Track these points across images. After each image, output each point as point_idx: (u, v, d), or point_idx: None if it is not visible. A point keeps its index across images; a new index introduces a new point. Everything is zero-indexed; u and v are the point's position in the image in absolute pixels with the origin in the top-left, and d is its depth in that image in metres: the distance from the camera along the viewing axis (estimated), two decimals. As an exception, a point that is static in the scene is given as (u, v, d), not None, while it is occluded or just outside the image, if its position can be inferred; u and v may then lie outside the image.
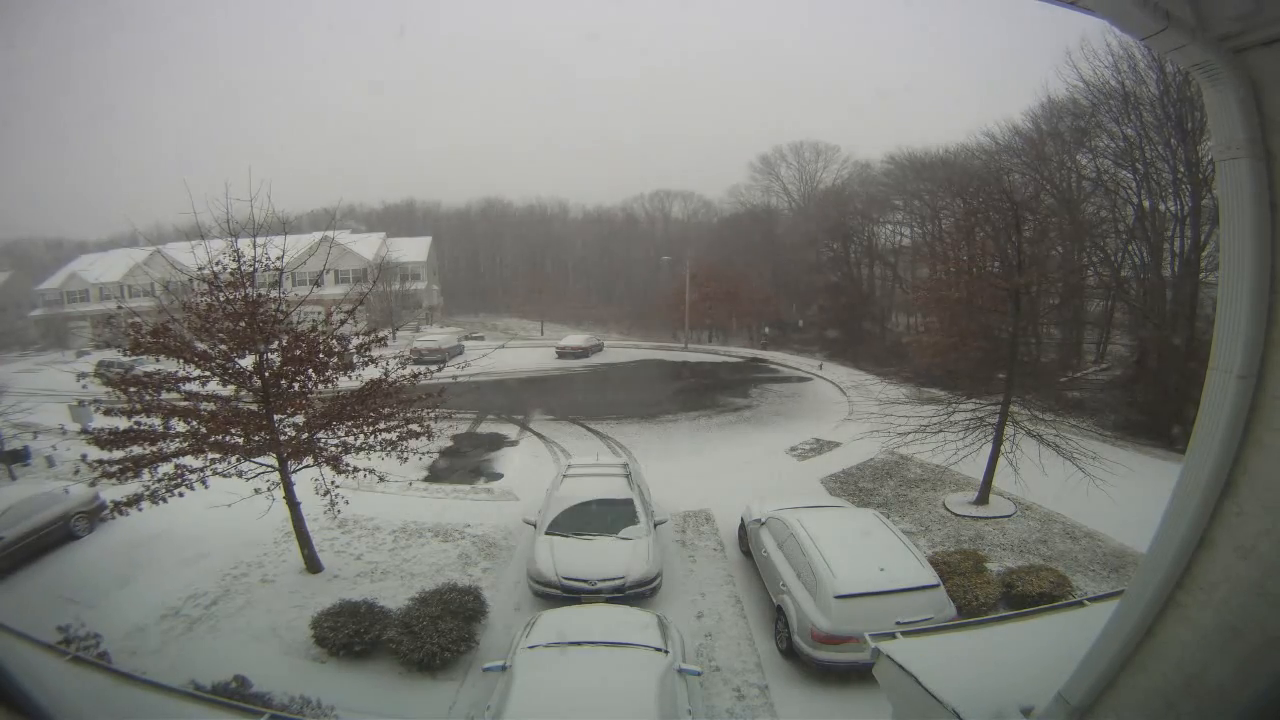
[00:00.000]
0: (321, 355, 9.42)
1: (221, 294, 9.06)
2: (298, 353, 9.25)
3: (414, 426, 10.02)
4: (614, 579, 8.76)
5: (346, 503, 9.64)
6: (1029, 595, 8.69)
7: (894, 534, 8.97)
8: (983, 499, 12.93)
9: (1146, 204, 22.55)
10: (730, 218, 56.63)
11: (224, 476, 9.18)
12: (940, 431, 13.08)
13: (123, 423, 8.67)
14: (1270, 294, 2.03)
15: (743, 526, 10.84)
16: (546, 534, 9.64)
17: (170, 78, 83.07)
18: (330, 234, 22.77)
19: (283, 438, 9.52)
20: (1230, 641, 2.08)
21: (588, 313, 52.23)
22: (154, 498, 8.60)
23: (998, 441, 12.53)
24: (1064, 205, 25.12)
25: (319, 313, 9.77)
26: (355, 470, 9.64)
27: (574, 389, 27.87)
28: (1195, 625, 2.19)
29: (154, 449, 8.76)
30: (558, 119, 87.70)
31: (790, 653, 7.84)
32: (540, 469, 15.35)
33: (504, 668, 6.24)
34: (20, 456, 15.59)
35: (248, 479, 9.41)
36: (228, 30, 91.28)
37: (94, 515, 11.46)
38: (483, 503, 13.44)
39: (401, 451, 9.89)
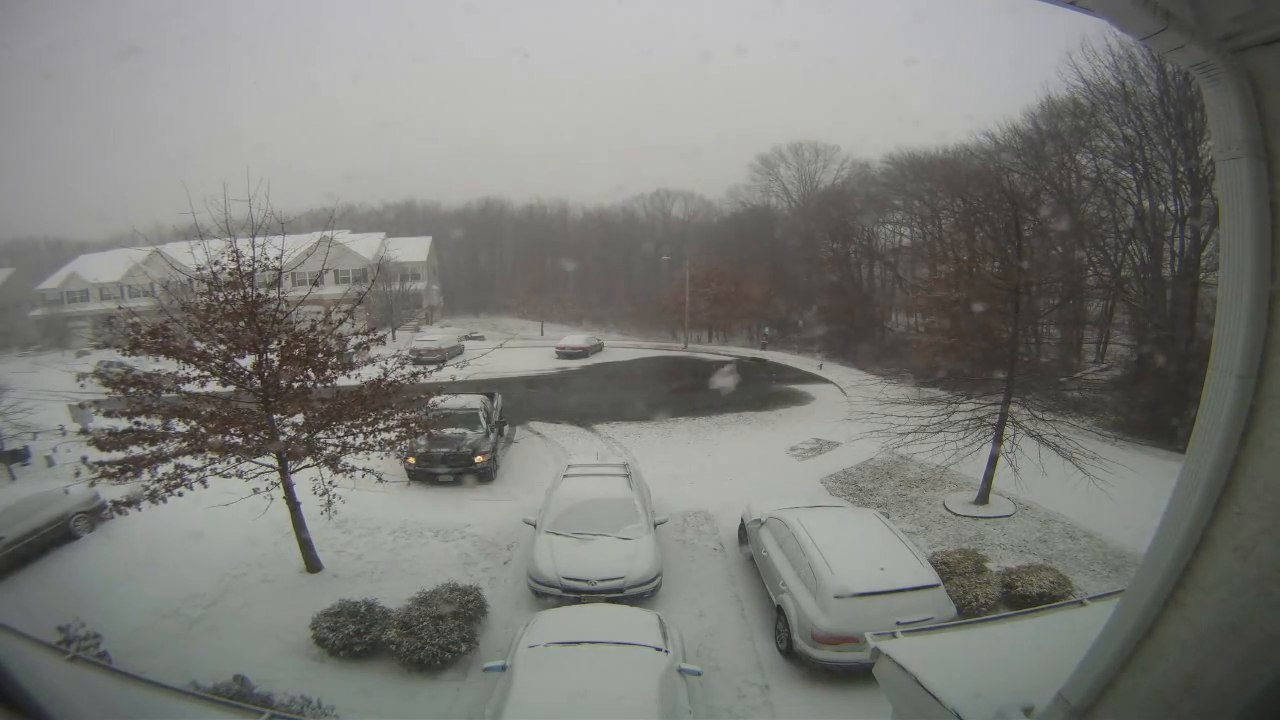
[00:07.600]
0: (320, 355, 9.42)
1: (220, 294, 9.06)
2: (297, 352, 9.25)
3: (414, 426, 10.02)
4: (614, 579, 8.75)
5: (343, 502, 9.62)
6: (1029, 595, 8.69)
7: (894, 534, 8.96)
8: (983, 499, 12.93)
9: (1146, 204, 22.57)
10: (730, 217, 56.52)
11: (224, 476, 9.16)
12: (940, 431, 13.08)
13: (122, 423, 8.67)
14: (1270, 294, 2.03)
15: (743, 526, 10.83)
16: (546, 534, 9.63)
17: (170, 77, 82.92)
18: (329, 234, 22.63)
19: (282, 437, 9.51)
20: (1230, 641, 2.08)
21: (588, 313, 52.13)
22: (154, 498, 8.59)
23: (998, 441, 12.52)
24: (1064, 205, 25.13)
25: (318, 313, 9.77)
26: (354, 470, 9.64)
27: (574, 389, 27.84)
28: (1195, 625, 2.19)
29: (154, 449, 8.75)
30: (558, 119, 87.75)
31: (790, 653, 7.83)
32: (540, 469, 15.34)
33: (504, 668, 6.25)
34: (20, 456, 15.59)
35: (247, 479, 9.40)
36: (228, 30, 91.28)
37: (94, 515, 11.43)
38: (483, 503, 13.42)
39: (401, 451, 9.89)
